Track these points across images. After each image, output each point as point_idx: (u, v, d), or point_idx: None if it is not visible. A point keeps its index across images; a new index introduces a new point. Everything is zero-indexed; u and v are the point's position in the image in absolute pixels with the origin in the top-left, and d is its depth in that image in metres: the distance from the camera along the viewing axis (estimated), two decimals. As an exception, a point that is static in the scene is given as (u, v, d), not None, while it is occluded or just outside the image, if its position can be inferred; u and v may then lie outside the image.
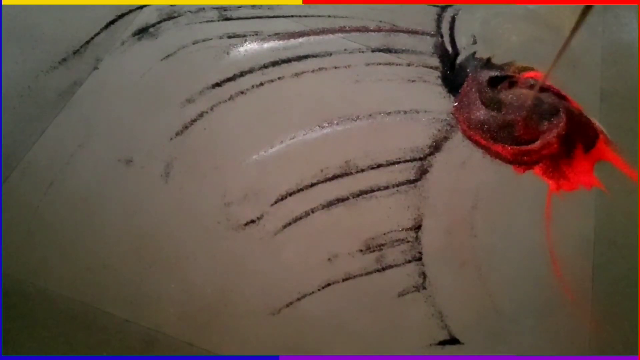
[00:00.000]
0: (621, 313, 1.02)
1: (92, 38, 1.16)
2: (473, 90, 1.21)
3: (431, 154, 1.13)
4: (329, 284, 0.96)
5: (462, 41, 1.31)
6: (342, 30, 1.27)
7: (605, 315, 1.01)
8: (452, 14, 1.35)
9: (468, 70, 1.25)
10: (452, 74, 1.24)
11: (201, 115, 1.10)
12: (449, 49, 1.29)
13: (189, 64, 1.16)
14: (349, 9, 1.31)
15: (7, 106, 1.05)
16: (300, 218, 1.02)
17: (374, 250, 1.01)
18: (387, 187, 1.08)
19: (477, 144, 1.15)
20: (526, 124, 1.15)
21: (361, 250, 1.00)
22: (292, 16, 1.27)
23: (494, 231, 1.07)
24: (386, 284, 0.98)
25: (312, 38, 1.24)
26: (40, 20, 1.16)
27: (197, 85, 1.13)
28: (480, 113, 1.17)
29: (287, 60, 1.20)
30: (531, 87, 1.21)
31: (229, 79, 1.15)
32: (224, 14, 1.25)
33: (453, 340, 0.95)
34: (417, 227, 1.04)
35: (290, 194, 1.04)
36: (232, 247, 0.97)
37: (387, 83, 1.21)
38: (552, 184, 1.13)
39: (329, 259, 0.99)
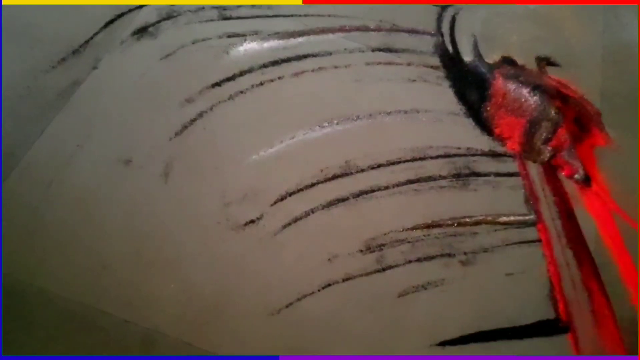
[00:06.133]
0: (621, 313, 1.02)
1: (92, 38, 1.16)
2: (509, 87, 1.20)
3: (431, 154, 1.13)
4: (329, 284, 0.96)
5: (462, 41, 1.31)
6: (342, 29, 1.27)
7: (605, 316, 1.01)
8: (452, 14, 1.35)
9: (485, 71, 1.24)
10: (465, 80, 1.23)
11: (201, 115, 1.10)
12: (450, 48, 1.29)
13: (188, 64, 1.16)
14: (349, 9, 1.31)
15: (7, 106, 1.05)
16: (300, 218, 1.02)
17: (374, 251, 1.00)
18: (387, 187, 1.07)
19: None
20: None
21: (361, 251, 1.00)
22: (292, 16, 1.27)
23: (494, 231, 1.07)
24: (386, 284, 0.98)
25: (312, 38, 1.24)
26: (40, 20, 1.16)
27: (196, 85, 1.13)
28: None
29: (287, 60, 1.20)
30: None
31: (228, 79, 1.15)
32: (224, 13, 1.25)
33: (453, 340, 0.95)
34: (417, 227, 1.04)
35: (290, 194, 1.04)
36: (231, 247, 0.97)
37: (387, 83, 1.21)
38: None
39: (329, 259, 0.99)
